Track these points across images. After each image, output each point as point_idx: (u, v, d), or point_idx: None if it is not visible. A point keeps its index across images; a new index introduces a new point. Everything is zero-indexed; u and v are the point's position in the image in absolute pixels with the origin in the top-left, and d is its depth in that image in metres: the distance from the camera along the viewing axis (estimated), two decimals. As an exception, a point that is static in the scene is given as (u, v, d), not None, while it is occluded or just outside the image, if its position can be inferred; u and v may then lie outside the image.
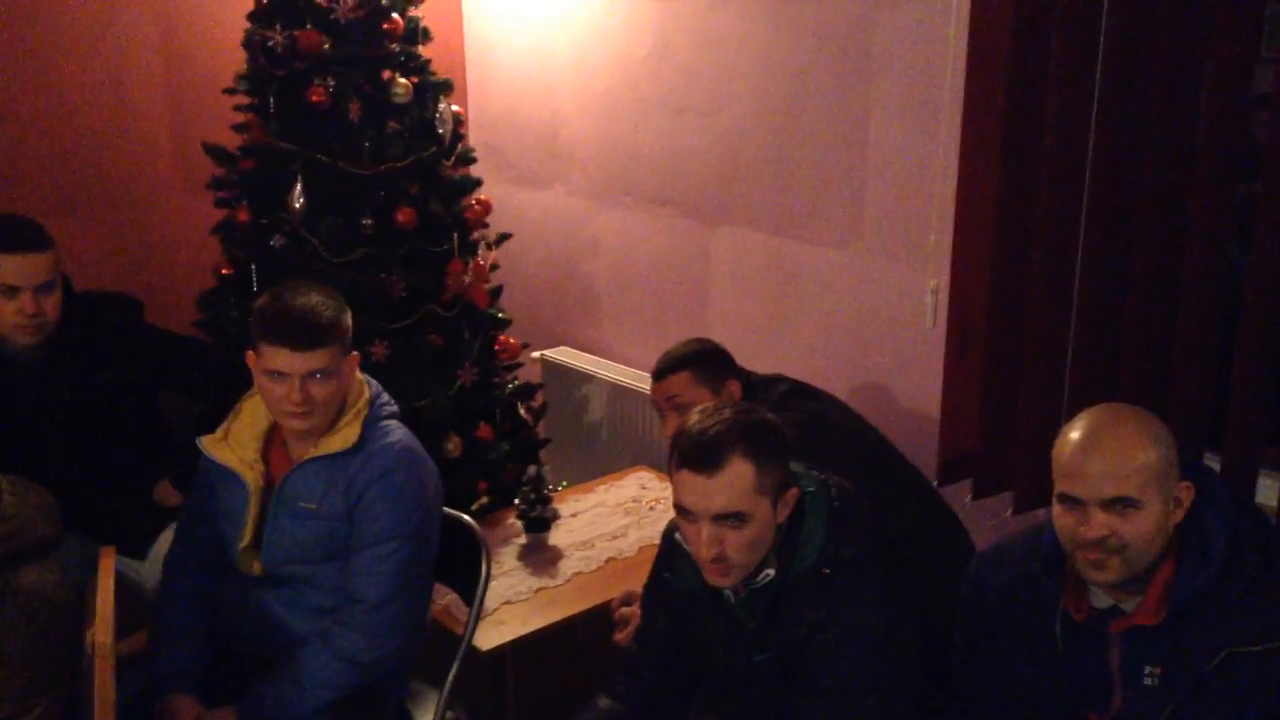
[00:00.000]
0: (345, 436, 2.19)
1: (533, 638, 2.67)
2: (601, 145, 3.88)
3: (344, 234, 3.01)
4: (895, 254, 3.01)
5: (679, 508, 1.81)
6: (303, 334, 2.08)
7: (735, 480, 1.76)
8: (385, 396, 2.32)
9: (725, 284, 3.56)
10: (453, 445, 3.18)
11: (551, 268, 4.19)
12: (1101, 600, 1.76)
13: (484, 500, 3.37)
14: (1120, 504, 1.65)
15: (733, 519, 1.76)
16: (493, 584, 2.83)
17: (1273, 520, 2.13)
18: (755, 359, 2.79)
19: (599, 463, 3.83)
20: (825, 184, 3.17)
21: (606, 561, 2.97)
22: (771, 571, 1.84)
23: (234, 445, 2.26)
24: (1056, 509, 1.73)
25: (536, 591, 2.83)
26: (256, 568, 2.26)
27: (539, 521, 3.03)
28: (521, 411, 3.50)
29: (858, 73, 3.02)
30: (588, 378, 3.92)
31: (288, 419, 2.16)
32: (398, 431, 2.26)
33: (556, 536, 3.08)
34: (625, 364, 3.91)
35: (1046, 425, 2.64)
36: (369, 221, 3.04)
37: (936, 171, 2.82)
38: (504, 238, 3.42)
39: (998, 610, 1.89)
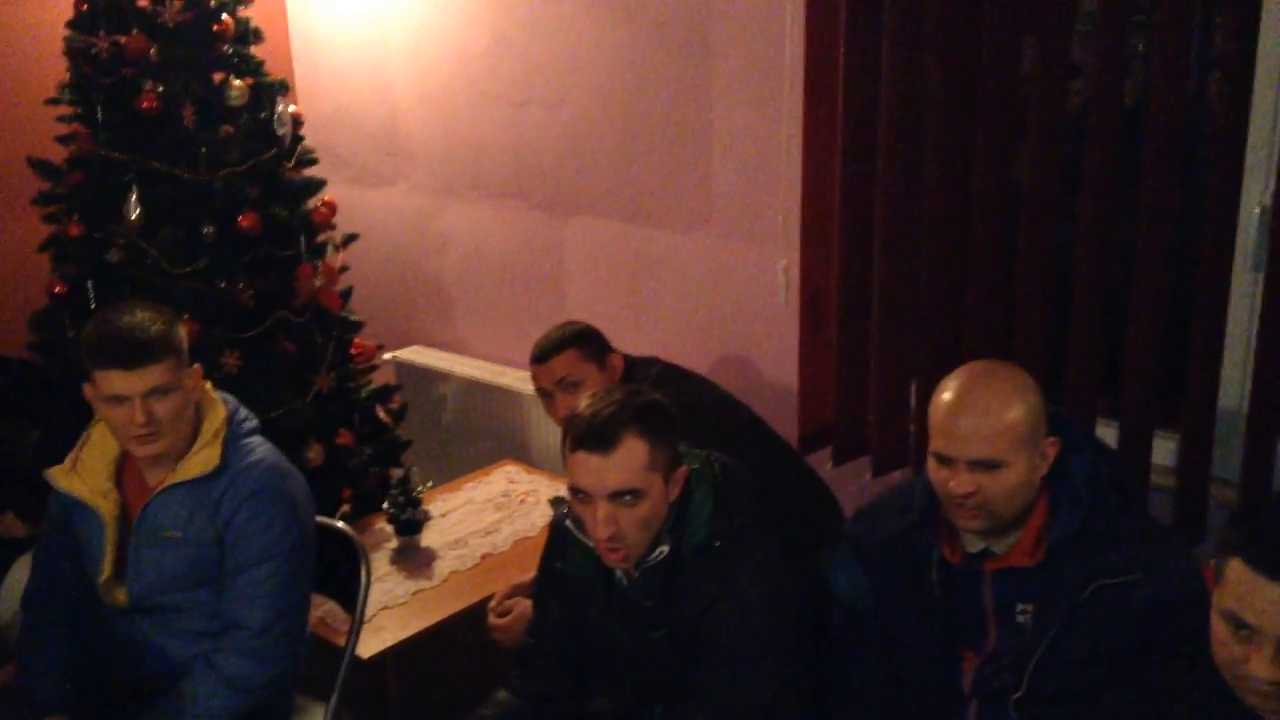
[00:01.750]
0: (206, 459, 2.12)
1: (413, 641, 2.64)
2: (443, 140, 3.85)
3: (185, 244, 2.92)
4: (746, 235, 3.10)
5: (574, 489, 1.84)
6: (132, 352, 2.00)
7: (629, 458, 1.80)
8: (244, 412, 2.25)
9: (580, 273, 3.59)
10: (314, 454, 3.12)
11: (399, 266, 4.14)
12: (974, 544, 1.87)
13: (347, 508, 3.32)
14: (987, 464, 1.75)
15: (628, 496, 1.80)
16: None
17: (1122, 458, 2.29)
18: (617, 344, 2.83)
19: (462, 461, 3.81)
20: (673, 170, 3.23)
21: (482, 558, 2.97)
22: (665, 549, 1.88)
23: (84, 475, 2.16)
24: (931, 463, 1.82)
25: (413, 594, 2.80)
26: (121, 598, 2.17)
27: (411, 524, 2.99)
28: (380, 414, 3.46)
29: (698, 59, 3.08)
30: (444, 376, 3.89)
31: (137, 445, 2.07)
32: (261, 449, 2.20)
33: (428, 538, 3.05)
34: (481, 359, 3.90)
35: (898, 392, 2.78)
36: (210, 229, 2.95)
37: (781, 153, 2.92)
38: (351, 238, 3.36)
39: (877, 563, 1.98)
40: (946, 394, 1.80)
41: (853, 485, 2.88)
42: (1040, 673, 1.80)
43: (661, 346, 3.26)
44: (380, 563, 2.95)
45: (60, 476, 2.16)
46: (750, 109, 2.99)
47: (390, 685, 2.67)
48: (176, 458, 2.12)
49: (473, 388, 3.80)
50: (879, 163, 2.63)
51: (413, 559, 2.97)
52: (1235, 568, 1.45)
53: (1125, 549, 1.78)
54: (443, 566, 2.93)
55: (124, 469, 2.19)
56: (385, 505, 3.03)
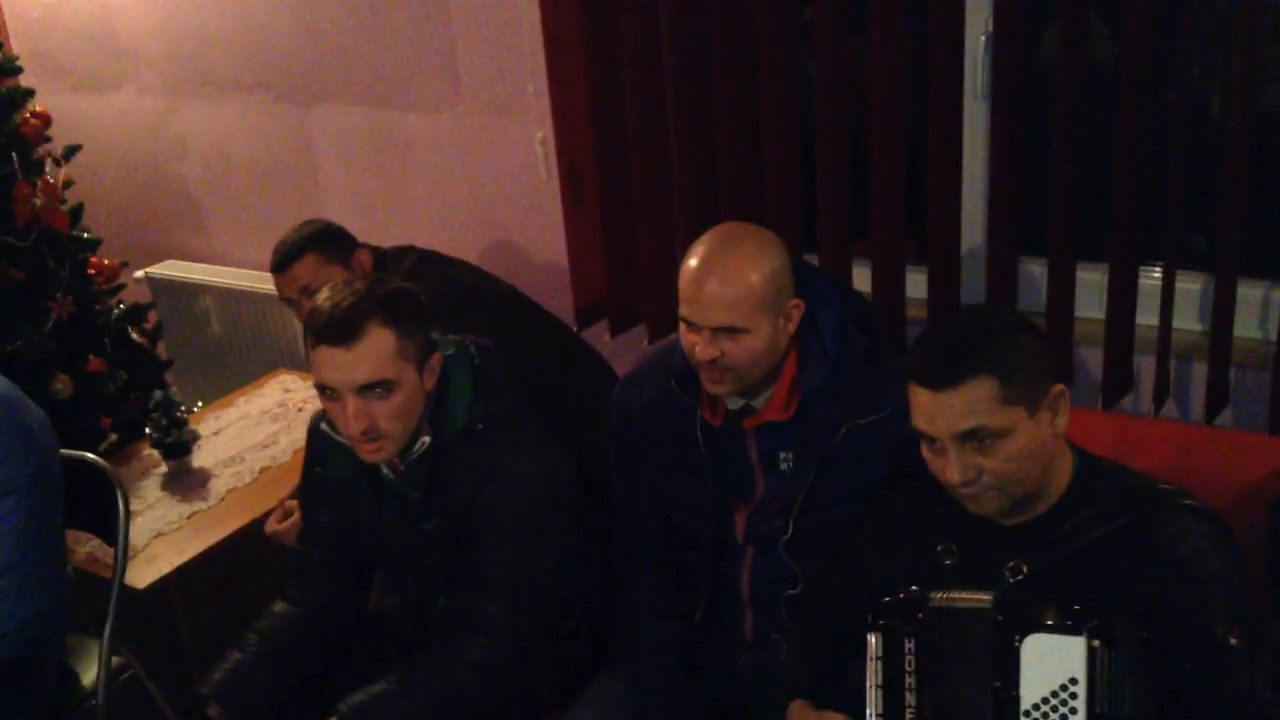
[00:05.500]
0: None
1: (193, 564, 2.55)
2: (167, 35, 3.56)
3: (-125, 172, 2.63)
4: (498, 110, 3.00)
5: (321, 387, 1.76)
6: None
7: (376, 349, 1.72)
8: None
9: (334, 165, 3.42)
10: (61, 385, 2.92)
11: (138, 177, 3.85)
12: (734, 401, 1.89)
13: (113, 437, 3.14)
14: (729, 330, 1.76)
15: (379, 388, 1.73)
16: (139, 519, 2.67)
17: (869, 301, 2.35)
18: (380, 237, 2.72)
19: (233, 375, 3.64)
20: (415, 48, 3.08)
21: (261, 472, 2.85)
22: (427, 439, 1.83)
23: None
24: (681, 327, 1.83)
25: (189, 518, 2.68)
26: None
27: (177, 446, 2.84)
28: (134, 336, 3.25)
29: (425, -74, 2.93)
30: (202, 288, 3.68)
31: None
32: None
33: (201, 458, 2.91)
34: (241, 267, 3.69)
35: (664, 256, 2.77)
36: (-97, 154, 2.66)
37: (523, 21, 2.81)
38: (73, 150, 3.09)
39: (644, 427, 1.99)
40: (692, 260, 1.79)
41: (631, 353, 2.88)
42: (804, 515, 1.86)
43: (427, 234, 3.15)
44: (150, 490, 2.81)
45: None
46: (484, -26, 2.87)
47: (176, 611, 2.57)
48: None
49: (235, 298, 3.61)
50: (619, 23, 2.57)
51: (185, 482, 2.84)
52: (911, 388, 1.54)
53: (872, 390, 1.84)
54: (219, 485, 2.81)
55: None
56: (147, 430, 2.87)
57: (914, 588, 1.58)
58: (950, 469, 1.52)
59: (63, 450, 2.21)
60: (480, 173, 3.12)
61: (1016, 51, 2.19)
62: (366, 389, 1.73)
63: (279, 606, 2.04)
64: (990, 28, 2.27)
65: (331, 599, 2.04)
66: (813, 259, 2.55)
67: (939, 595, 1.54)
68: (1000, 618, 1.47)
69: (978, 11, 2.30)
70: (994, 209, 2.34)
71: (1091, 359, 2.35)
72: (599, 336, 2.89)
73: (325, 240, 2.43)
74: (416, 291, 1.84)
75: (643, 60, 2.58)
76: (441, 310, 1.95)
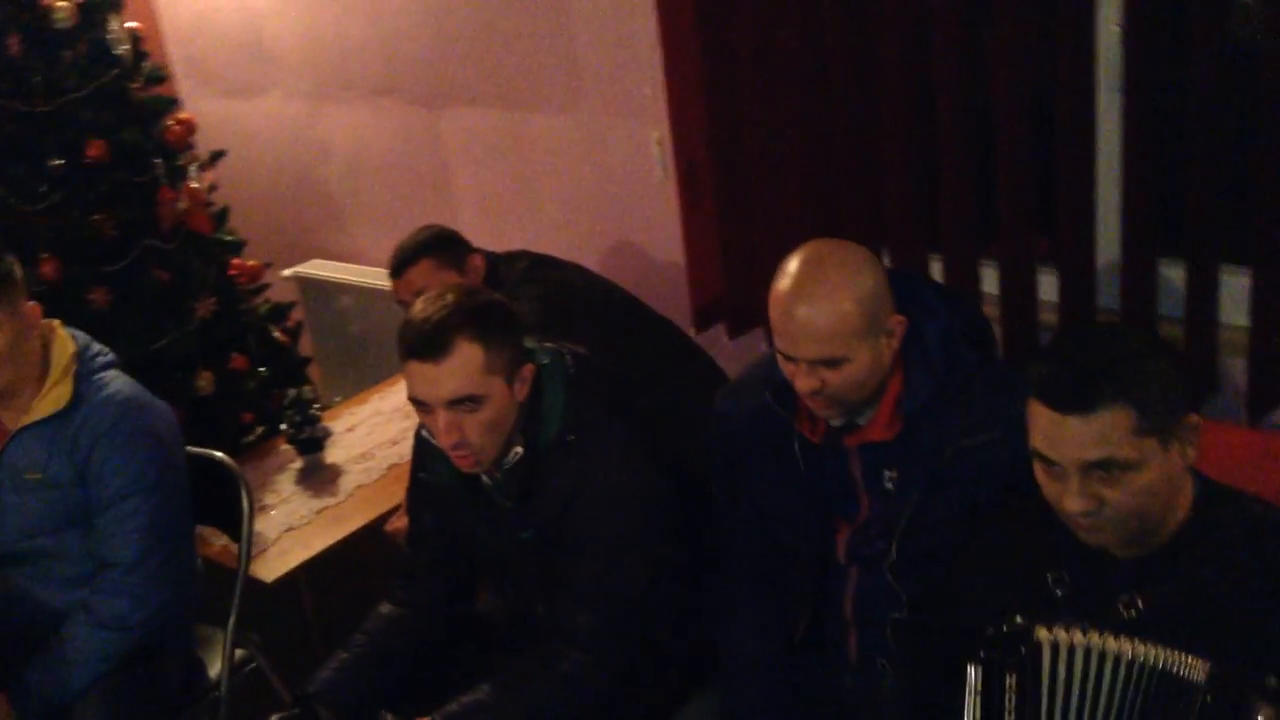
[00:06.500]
0: (57, 397, 2.08)
1: (321, 559, 2.63)
2: (309, 42, 3.68)
3: (31, 179, 2.81)
4: (618, 110, 2.99)
5: (413, 400, 1.78)
6: None
7: (463, 364, 1.73)
8: (96, 347, 2.20)
9: (464, 166, 3.47)
10: (204, 382, 3.05)
11: (283, 179, 4.00)
12: (836, 419, 1.82)
13: (258, 431, 3.27)
14: (827, 363, 1.67)
15: (467, 403, 1.74)
16: (271, 514, 2.77)
17: (984, 307, 2.24)
18: (505, 238, 2.75)
19: (371, 372, 3.73)
20: (540, 49, 3.10)
21: (389, 469, 2.92)
22: (520, 449, 1.83)
23: None
24: (778, 356, 1.74)
25: (318, 513, 2.77)
26: None
27: (310, 442, 2.94)
28: (276, 334, 3.37)
29: (549, -70, 2.93)
30: (344, 288, 3.79)
31: None
32: (116, 382, 2.15)
33: (334, 454, 3.00)
34: (380, 266, 3.78)
35: (782, 257, 2.67)
36: (58, 162, 2.83)
37: (641, 20, 2.79)
38: (217, 156, 3.23)
39: (743, 439, 1.92)
40: (780, 289, 1.70)
41: (749, 356, 2.83)
42: (908, 537, 1.77)
43: (550, 232, 3.19)
44: (284, 484, 2.91)
45: None
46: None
47: (306, 604, 2.66)
48: (29, 399, 2.08)
49: (373, 296, 3.70)
50: (734, 22, 2.51)
51: (317, 477, 2.93)
52: (1032, 406, 1.43)
53: (980, 406, 1.72)
54: (349, 482, 2.90)
55: (-20, 418, 2.13)
56: (283, 426, 2.98)
57: (1018, 619, 1.47)
58: (1070, 498, 1.41)
59: (192, 449, 2.31)
60: (600, 172, 3.12)
61: (1152, 39, 2.05)
62: (455, 403, 1.74)
63: (385, 608, 2.07)
64: (1124, 14, 2.12)
65: (435, 601, 2.07)
66: (937, 261, 2.46)
67: (1100, 636, 1.41)
68: (1209, 698, 1.33)
69: (1109, 2, 2.16)
70: (1130, 207, 2.19)
71: (1236, 369, 2.18)
72: (717, 339, 2.85)
73: (440, 246, 2.48)
74: (506, 303, 1.84)
75: (758, 58, 2.52)
76: (548, 315, 1.96)
